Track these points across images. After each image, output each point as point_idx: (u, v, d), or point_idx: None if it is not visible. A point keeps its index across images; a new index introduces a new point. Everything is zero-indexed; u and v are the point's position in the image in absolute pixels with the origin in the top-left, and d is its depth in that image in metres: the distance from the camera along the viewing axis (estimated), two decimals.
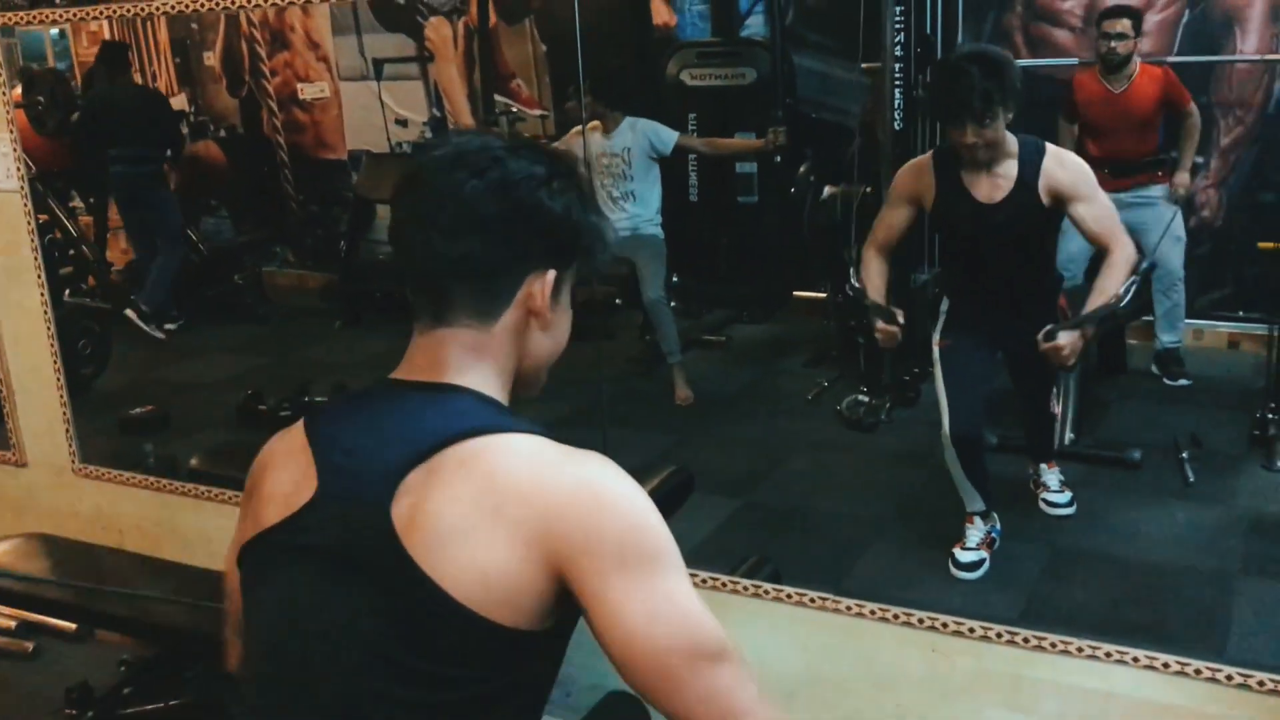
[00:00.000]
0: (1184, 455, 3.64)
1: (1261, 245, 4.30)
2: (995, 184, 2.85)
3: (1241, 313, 4.80)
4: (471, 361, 1.20)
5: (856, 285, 2.98)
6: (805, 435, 4.15)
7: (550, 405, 4.26)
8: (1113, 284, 2.69)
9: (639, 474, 2.79)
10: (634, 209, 4.70)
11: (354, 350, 5.59)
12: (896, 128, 4.34)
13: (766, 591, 2.20)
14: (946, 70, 2.84)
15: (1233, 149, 4.65)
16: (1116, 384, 4.36)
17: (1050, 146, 2.85)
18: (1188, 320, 4.56)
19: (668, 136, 4.65)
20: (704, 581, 2.25)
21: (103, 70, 6.08)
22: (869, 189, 4.53)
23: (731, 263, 5.31)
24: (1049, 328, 2.68)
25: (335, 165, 6.58)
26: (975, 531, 3.14)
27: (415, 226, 1.19)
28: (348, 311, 6.00)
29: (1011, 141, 2.83)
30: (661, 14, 5.60)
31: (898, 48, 4.15)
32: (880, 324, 2.93)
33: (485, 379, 1.20)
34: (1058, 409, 3.53)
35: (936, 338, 3.12)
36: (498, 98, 6.14)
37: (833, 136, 5.21)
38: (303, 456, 1.18)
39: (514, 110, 5.93)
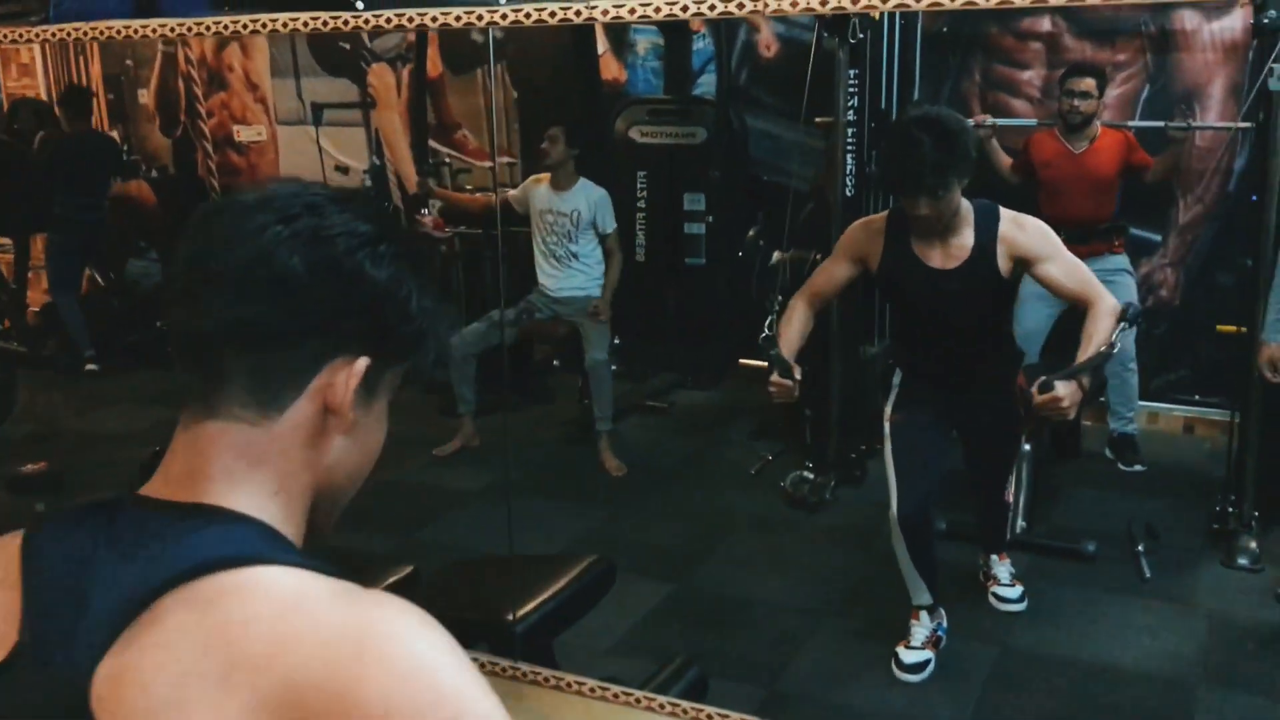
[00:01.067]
0: (1140, 548, 3.46)
1: (1220, 328, 4.18)
2: (949, 253, 2.68)
3: (1197, 396, 4.67)
4: (243, 471, 0.89)
5: (768, 333, 2.74)
6: (746, 513, 3.93)
7: (474, 473, 3.98)
8: (1101, 332, 2.48)
9: (557, 564, 2.56)
10: (579, 268, 4.49)
11: None
12: (848, 194, 4.19)
13: (685, 711, 1.96)
14: (897, 137, 2.65)
15: (1191, 228, 4.55)
16: (1070, 469, 4.19)
17: (1004, 210, 2.68)
18: (1143, 402, 4.42)
19: (610, 222, 4.46)
20: (615, 696, 2.01)
21: (63, 114, 5.87)
22: (819, 255, 4.37)
23: (677, 326, 5.12)
24: (1042, 379, 2.44)
25: None
26: (921, 629, 2.92)
27: (190, 277, 0.90)
28: None
29: (967, 208, 2.65)
30: (611, 69, 5.44)
31: (850, 112, 4.01)
32: (776, 376, 2.67)
33: (260, 498, 0.89)
34: (1011, 497, 3.34)
35: (888, 412, 2.91)
36: (438, 146, 5.95)
37: (785, 200, 5.06)
38: (10, 587, 0.89)
39: (447, 161, 5.74)
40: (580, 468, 4.32)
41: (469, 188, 5.63)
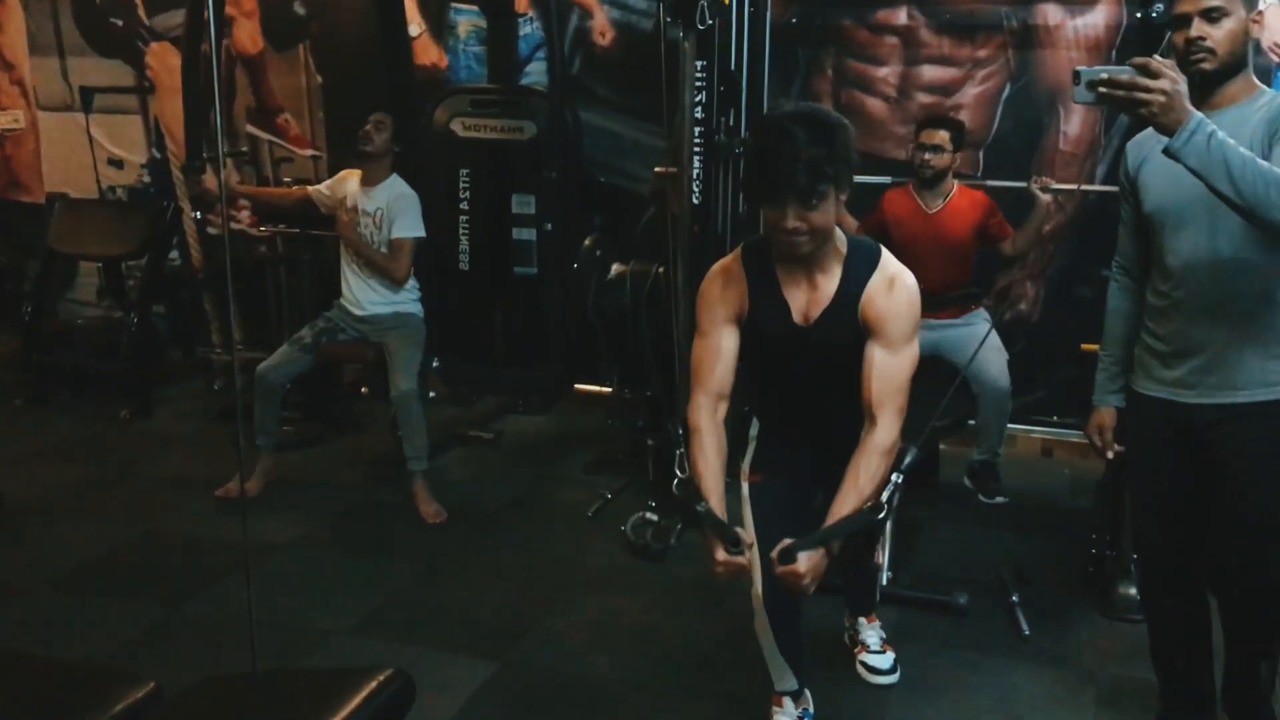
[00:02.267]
0: (1015, 598, 3.14)
1: (1085, 347, 3.91)
2: (814, 296, 2.22)
3: (1056, 417, 4.44)
4: None
5: (681, 475, 2.16)
6: (583, 565, 3.44)
7: (269, 521, 3.36)
8: (867, 479, 2.02)
9: (336, 684, 2.01)
10: (389, 281, 3.91)
11: (34, 436, 4.54)
12: (695, 201, 3.75)
13: None
14: (766, 132, 2.16)
15: (1052, 238, 4.29)
16: (927, 502, 3.86)
17: (887, 259, 2.23)
18: None
19: (409, 226, 3.85)
20: None
21: None
22: (661, 269, 3.93)
23: (506, 344, 4.58)
24: (786, 545, 1.98)
25: (30, 210, 5.51)
26: (784, 718, 2.50)
27: None
28: (32, 386, 4.94)
29: (840, 241, 2.22)
30: (430, 53, 4.86)
31: (697, 108, 3.56)
32: (720, 553, 2.02)
33: None
34: (882, 558, 2.96)
35: (745, 469, 2.46)
36: (257, 132, 5.28)
37: (625, 204, 4.60)
38: None
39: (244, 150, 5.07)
40: (392, 514, 3.76)
41: (287, 180, 4.96)
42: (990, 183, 3.93)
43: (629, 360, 3.99)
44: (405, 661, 1.98)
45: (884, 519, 2.01)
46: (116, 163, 5.29)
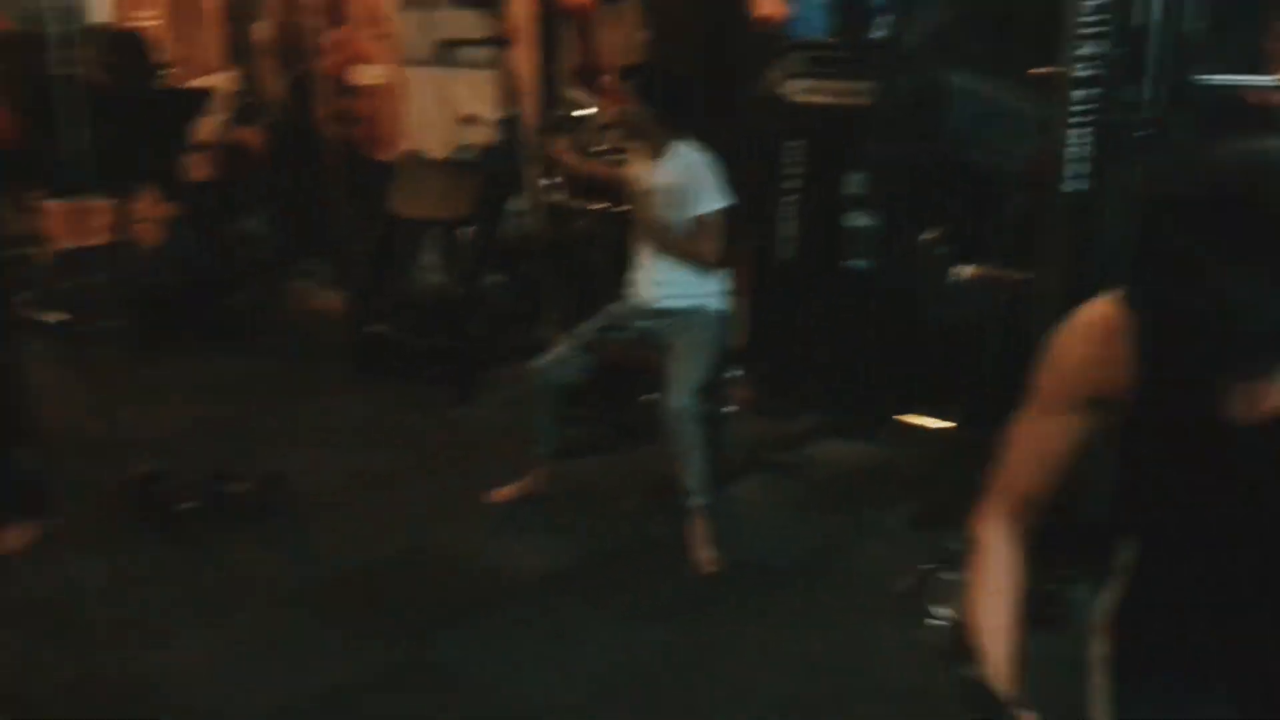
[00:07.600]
0: None
1: None
2: None
3: None
4: None
5: (941, 620, 1.34)
6: (872, 668, 2.63)
7: (535, 544, 2.70)
8: None
9: None
10: (685, 269, 3.32)
11: (345, 414, 4.37)
12: (1078, 186, 2.82)
13: None
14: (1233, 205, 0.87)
15: None
16: None
17: None
18: None
19: (715, 199, 3.24)
20: None
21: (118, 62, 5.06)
22: (1022, 278, 3.01)
23: (832, 351, 3.83)
24: None
25: (390, 170, 5.43)
26: None
27: None
28: (358, 360, 4.82)
29: None
30: (768, 3, 4.14)
31: (1084, 62, 2.62)
32: None
33: None
34: None
35: (1099, 619, 1.46)
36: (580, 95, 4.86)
37: (991, 188, 3.66)
38: None
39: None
40: (657, 556, 3.16)
41: (600, 148, 4.47)
42: None
43: (974, 392, 3.13)
44: None
45: None
46: (470, 119, 5.06)
